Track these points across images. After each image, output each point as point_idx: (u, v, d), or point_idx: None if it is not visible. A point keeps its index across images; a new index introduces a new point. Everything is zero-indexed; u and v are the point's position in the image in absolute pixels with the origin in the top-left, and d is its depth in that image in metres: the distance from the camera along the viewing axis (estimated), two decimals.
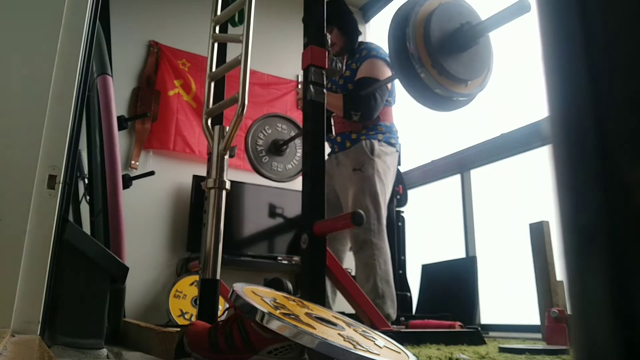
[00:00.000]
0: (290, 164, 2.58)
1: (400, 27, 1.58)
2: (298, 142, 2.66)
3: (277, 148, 2.58)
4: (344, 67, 2.08)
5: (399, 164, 2.39)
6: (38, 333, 1.05)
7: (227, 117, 1.66)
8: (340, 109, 2.11)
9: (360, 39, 2.30)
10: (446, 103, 1.63)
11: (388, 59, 2.18)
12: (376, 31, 4.28)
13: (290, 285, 1.75)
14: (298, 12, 1.65)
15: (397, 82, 2.16)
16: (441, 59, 1.52)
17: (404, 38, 1.54)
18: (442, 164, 3.36)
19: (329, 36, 1.61)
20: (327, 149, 2.32)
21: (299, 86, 2.36)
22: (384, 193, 2.11)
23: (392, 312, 1.91)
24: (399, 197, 2.90)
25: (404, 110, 3.97)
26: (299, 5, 1.61)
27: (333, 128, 2.19)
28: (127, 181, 2.38)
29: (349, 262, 3.21)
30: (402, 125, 3.97)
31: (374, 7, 4.21)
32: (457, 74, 1.54)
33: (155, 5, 3.49)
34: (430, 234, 3.46)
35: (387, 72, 2.15)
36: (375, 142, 2.13)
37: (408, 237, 3.02)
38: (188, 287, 2.79)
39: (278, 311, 0.84)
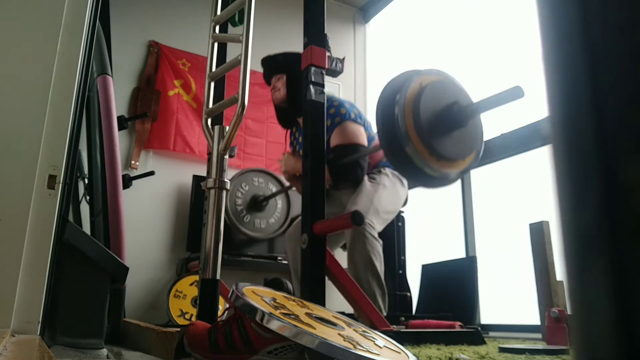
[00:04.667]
0: (272, 218, 2.57)
1: (389, 106, 1.54)
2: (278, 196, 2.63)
3: (257, 204, 2.55)
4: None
5: (404, 203, 2.30)
6: (38, 333, 1.05)
7: (227, 117, 1.66)
8: (328, 179, 2.07)
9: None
10: (434, 181, 1.59)
11: (355, 114, 2.15)
12: (376, 31, 4.28)
13: (290, 285, 1.74)
14: (298, 12, 1.65)
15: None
16: (431, 139, 1.50)
17: (393, 117, 1.50)
18: None
19: (328, 36, 1.61)
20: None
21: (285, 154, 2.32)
22: (388, 204, 2.06)
23: (383, 306, 1.91)
24: None
25: None
26: (299, 5, 1.61)
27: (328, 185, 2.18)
28: (127, 181, 2.38)
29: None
30: None
31: (374, 7, 4.21)
32: (447, 154, 1.52)
33: (155, 5, 3.49)
34: (430, 234, 3.46)
35: (362, 132, 2.13)
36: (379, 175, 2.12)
37: (408, 237, 3.02)
38: (188, 287, 2.79)
39: (278, 311, 0.84)
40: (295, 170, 2.17)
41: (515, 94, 1.43)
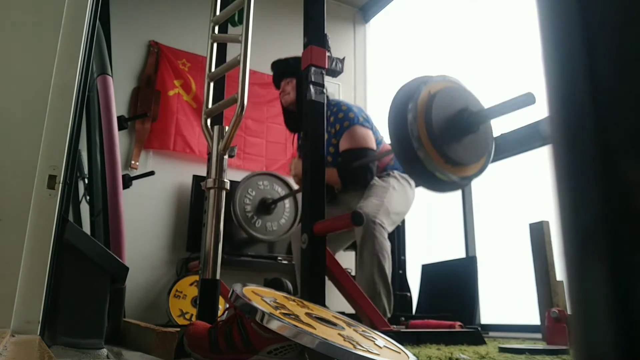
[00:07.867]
0: (282, 219, 2.60)
1: (401, 112, 1.57)
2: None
3: (266, 207, 2.58)
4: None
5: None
6: (38, 333, 1.05)
7: (227, 117, 1.66)
8: (338, 183, 2.11)
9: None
10: (444, 185, 1.62)
11: (364, 118, 2.17)
12: (376, 31, 4.28)
13: (290, 285, 1.74)
14: (298, 12, 1.65)
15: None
16: (442, 144, 1.53)
17: (406, 123, 1.54)
18: None
19: (328, 36, 1.61)
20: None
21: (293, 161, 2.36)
22: (398, 206, 2.06)
23: (388, 307, 1.92)
24: None
25: None
26: (299, 5, 1.61)
27: (335, 190, 2.19)
28: (127, 181, 2.38)
29: (349, 262, 3.22)
30: None
31: (374, 7, 4.21)
32: (457, 159, 1.56)
33: (155, 5, 3.49)
34: (430, 234, 3.46)
35: (370, 136, 2.15)
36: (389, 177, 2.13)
37: (408, 237, 3.02)
38: (188, 287, 2.79)
39: (278, 311, 0.84)
40: None
41: (526, 100, 1.44)
